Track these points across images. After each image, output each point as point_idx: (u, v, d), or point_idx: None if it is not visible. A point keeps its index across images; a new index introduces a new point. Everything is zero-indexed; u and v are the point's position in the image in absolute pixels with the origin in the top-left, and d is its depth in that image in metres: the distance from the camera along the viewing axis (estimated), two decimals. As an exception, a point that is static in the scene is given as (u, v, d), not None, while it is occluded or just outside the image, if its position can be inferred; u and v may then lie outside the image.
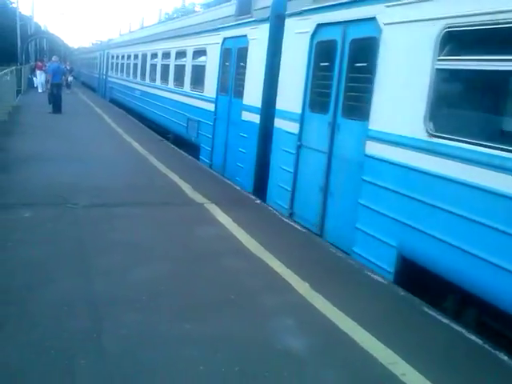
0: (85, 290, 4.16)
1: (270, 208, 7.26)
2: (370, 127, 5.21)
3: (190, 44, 12.05)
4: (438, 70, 4.38)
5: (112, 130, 14.79)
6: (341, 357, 3.48)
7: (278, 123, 7.25)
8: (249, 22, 8.44)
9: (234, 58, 9.19)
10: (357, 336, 3.72)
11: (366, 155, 5.24)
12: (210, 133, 10.29)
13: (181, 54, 12.83)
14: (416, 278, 4.68)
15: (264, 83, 7.83)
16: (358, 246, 5.36)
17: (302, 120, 6.61)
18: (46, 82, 21.12)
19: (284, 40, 7.15)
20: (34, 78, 30.62)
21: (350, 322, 3.93)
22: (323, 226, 6.12)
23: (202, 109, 10.85)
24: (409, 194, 4.62)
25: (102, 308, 3.87)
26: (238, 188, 8.39)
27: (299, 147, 6.66)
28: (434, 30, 4.39)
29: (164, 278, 4.53)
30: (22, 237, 5.33)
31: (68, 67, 32.31)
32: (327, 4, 6.09)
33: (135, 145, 12.20)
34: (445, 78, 4.39)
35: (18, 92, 24.39)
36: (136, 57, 19.14)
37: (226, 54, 9.67)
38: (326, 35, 6.19)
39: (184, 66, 12.43)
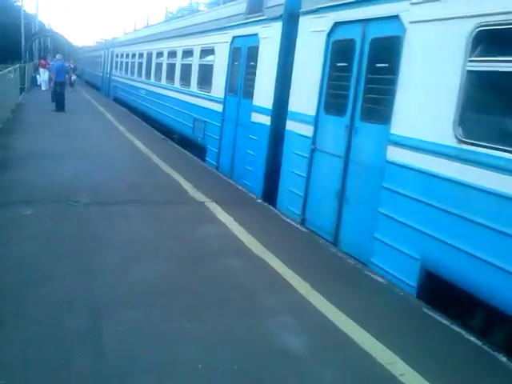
0: (84, 287, 4.14)
1: (271, 208, 7.20)
2: (391, 131, 4.92)
3: (197, 43, 11.78)
4: (469, 71, 4.09)
5: (115, 129, 14.72)
6: (340, 357, 3.47)
7: (291, 125, 6.96)
8: (260, 20, 8.16)
9: (244, 57, 8.91)
10: (356, 336, 3.72)
11: (388, 161, 4.95)
12: (217, 134, 10.00)
13: (187, 53, 12.56)
14: (441, 293, 4.39)
15: (275, 84, 7.54)
16: (377, 257, 5.07)
17: (316, 122, 6.32)
18: (50, 80, 21.07)
19: (298, 39, 6.87)
20: (38, 76, 30.48)
21: (350, 321, 3.93)
22: (338, 233, 5.83)
23: (209, 109, 10.57)
24: (435, 204, 4.33)
25: (102, 306, 3.86)
26: (239, 187, 8.32)
27: (313, 151, 6.37)
28: (466, 29, 4.10)
29: (164, 277, 4.51)
30: (23, 234, 5.30)
31: (71, 66, 32.15)
32: (345, 1, 5.80)
33: (137, 143, 12.15)
34: (477, 80, 4.09)
35: (22, 90, 24.35)
36: (141, 55, 18.88)
37: (235, 53, 9.39)
38: (343, 34, 5.90)
39: (190, 65, 12.16)
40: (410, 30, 4.75)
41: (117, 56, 25.47)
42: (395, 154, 4.85)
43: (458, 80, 4.15)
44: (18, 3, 51.75)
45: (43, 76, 28.28)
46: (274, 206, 7.33)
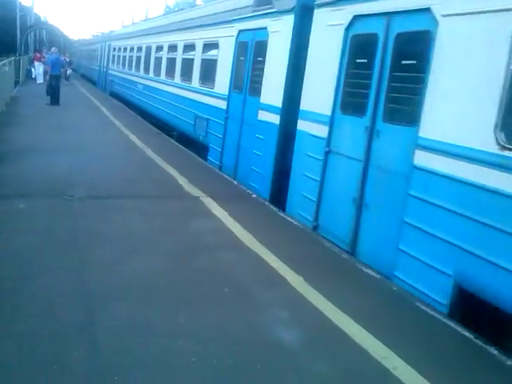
0: (78, 281, 4.12)
1: (266, 203, 7.16)
2: (420, 134, 4.51)
3: (199, 36, 11.32)
4: (514, 70, 3.69)
5: (110, 123, 14.60)
6: (333, 350, 3.48)
7: (303, 125, 6.54)
8: (270, 13, 7.71)
9: (251, 52, 8.47)
10: (349, 330, 3.73)
11: (415, 167, 4.54)
12: (220, 132, 9.56)
13: (189, 47, 12.10)
14: (476, 312, 4.00)
15: (286, 81, 7.11)
16: (402, 271, 4.67)
17: (331, 123, 5.90)
18: (45, 73, 20.77)
19: (312, 33, 6.44)
20: (33, 69, 29.97)
21: (344, 315, 3.94)
22: (356, 243, 5.42)
23: (212, 106, 10.13)
24: (473, 217, 3.93)
25: (96, 300, 3.85)
26: (235, 183, 8.32)
27: (327, 153, 5.96)
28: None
29: (158, 271, 4.49)
30: (17, 228, 5.27)
31: (67, 59, 31.64)
32: (367, -7, 5.39)
33: (132, 137, 12.05)
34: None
35: (16, 83, 23.94)
36: (139, 49, 18.37)
37: (241, 47, 8.94)
38: (364, 28, 5.48)
39: (192, 59, 11.69)
40: (444, 24, 4.34)
41: (114, 49, 24.92)
42: (424, 160, 4.44)
43: (500, 80, 3.75)
44: (14, -5, 50.91)
45: (38, 69, 27.81)
46: (283, 210, 6.92)
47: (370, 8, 5.35)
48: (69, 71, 30.88)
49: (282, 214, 6.63)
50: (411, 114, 4.72)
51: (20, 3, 45.18)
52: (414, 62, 4.85)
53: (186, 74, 12.16)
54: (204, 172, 9.11)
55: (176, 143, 12.03)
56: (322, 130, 6.05)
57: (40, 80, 26.74)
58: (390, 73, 5.04)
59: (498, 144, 3.75)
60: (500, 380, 3.37)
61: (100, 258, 4.67)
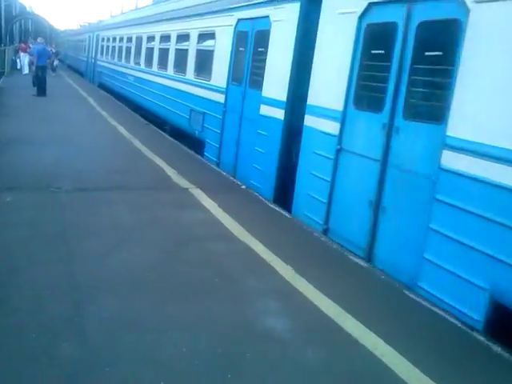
0: (66, 274, 4.08)
1: (256, 194, 7.14)
2: (448, 133, 4.11)
3: (194, 26, 10.80)
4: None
5: (97, 114, 14.52)
6: (322, 339, 3.49)
7: (310, 121, 6.12)
8: (272, 0, 7.25)
9: (251, 42, 8.00)
10: (339, 318, 3.75)
11: (442, 168, 4.15)
12: (218, 127, 9.10)
13: (183, 38, 11.59)
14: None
15: (291, 73, 6.66)
16: (427, 282, 4.29)
17: (343, 119, 5.49)
18: (31, 64, 20.40)
19: (321, 21, 6.00)
20: (18, 60, 29.18)
21: (332, 304, 3.97)
22: (372, 249, 5.03)
23: (208, 99, 9.65)
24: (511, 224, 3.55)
25: (84, 292, 3.81)
26: (224, 174, 8.31)
27: (339, 151, 5.54)
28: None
29: (147, 262, 4.45)
30: (4, 221, 5.20)
31: (53, 50, 30.88)
32: (384, -23, 4.96)
33: (120, 128, 11.96)
34: None
35: (1, 74, 23.34)
36: (130, 40, 17.76)
37: (240, 37, 8.47)
38: (381, 16, 5.06)
39: (186, 50, 11.18)
40: (476, 12, 3.93)
41: (103, 40, 24.22)
42: (453, 161, 4.05)
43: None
44: (-2, -17, 49.62)
45: (24, 60, 27.12)
46: (288, 210, 6.51)
47: (387, -6, 4.93)
48: (55, 62, 30.21)
49: (271, 205, 6.63)
50: (437, 111, 4.32)
51: (4, -8, 44.00)
52: (440, 53, 4.45)
53: (180, 65, 11.65)
54: (192, 163, 9.08)
55: (164, 134, 11.93)
56: (332, 127, 5.64)
57: (26, 71, 26.16)
58: (411, 65, 4.63)
59: (543, 145, 3.36)
60: (487, 367, 3.38)
61: (88, 250, 4.61)
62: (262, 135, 7.31)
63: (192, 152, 10.07)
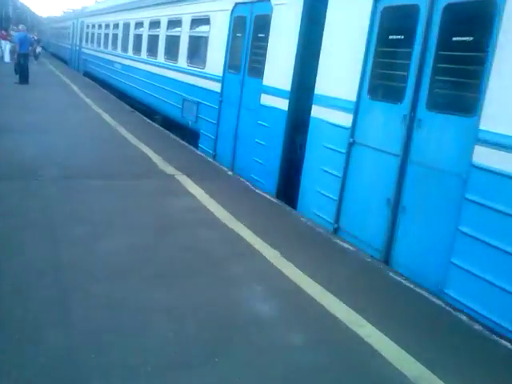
0: (53, 261, 4.03)
1: (242, 179, 7.17)
2: (481, 127, 3.73)
3: (187, 11, 10.26)
4: None
5: (81, 101, 14.31)
6: (308, 321, 3.51)
7: (318, 112, 5.70)
8: (274, -18, 6.78)
9: (250, 27, 7.52)
10: (325, 301, 3.77)
11: (474, 165, 3.77)
12: (214, 118, 8.63)
13: (174, 23, 11.04)
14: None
15: (295, 60, 6.23)
16: (455, 289, 3.92)
17: (356, 109, 5.08)
18: (13, 51, 19.96)
19: (330, 5, 5.56)
20: (-1, 48, 28.28)
21: (319, 287, 3.98)
22: (390, 251, 4.66)
23: (203, 88, 9.17)
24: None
25: (70, 279, 3.76)
26: (210, 160, 8.33)
27: (351, 145, 5.15)
28: None
29: (133, 249, 4.42)
30: None
31: (35, 38, 29.99)
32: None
33: (105, 116, 11.81)
34: None
35: (-18, 62, 22.52)
36: (116, 26, 17.10)
37: (237, 23, 7.99)
38: (400, -2, 4.65)
39: (178, 37, 10.64)
40: (516, -9, 3.54)
41: (87, 27, 23.44)
42: (487, 157, 3.68)
43: None
44: (-23, -33, 48.00)
45: (5, 48, 26.32)
46: (293, 207, 6.11)
47: (407, -26, 4.51)
48: (38, 49, 29.36)
49: (257, 191, 6.65)
50: (467, 102, 3.95)
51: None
52: (470, 38, 4.04)
53: (171, 52, 11.12)
54: (178, 150, 9.05)
55: (150, 122, 11.81)
56: (344, 118, 5.23)
57: (7, 59, 25.36)
58: (437, 52, 4.23)
59: None
60: (465, 342, 3.44)
61: (74, 237, 4.56)
62: (264, 126, 6.87)
63: (178, 139, 9.96)
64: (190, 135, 9.92)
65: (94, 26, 21.81)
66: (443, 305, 3.86)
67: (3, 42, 27.24)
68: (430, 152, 4.26)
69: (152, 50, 12.64)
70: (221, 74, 8.40)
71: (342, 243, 4.99)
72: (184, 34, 10.33)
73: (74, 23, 27.96)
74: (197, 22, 9.78)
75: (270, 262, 4.39)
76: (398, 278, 4.28)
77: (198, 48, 9.66)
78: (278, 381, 2.84)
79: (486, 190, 3.68)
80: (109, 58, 18.09)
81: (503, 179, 3.56)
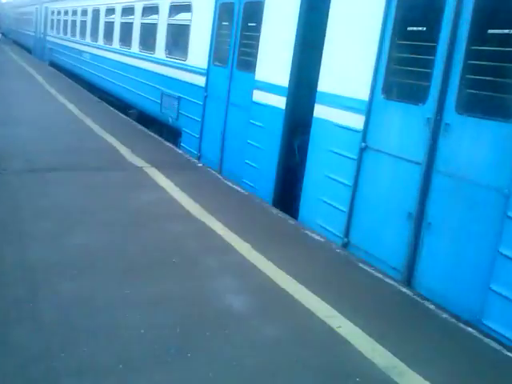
0: (18, 257, 3.95)
1: (213, 172, 7.08)
2: (529, 135, 3.24)
3: (164, -3, 9.49)
4: None
5: (45, 91, 13.82)
6: (281, 313, 3.51)
7: (323, 112, 5.13)
8: (267, -34, 6.13)
9: (239, 16, 6.86)
10: (297, 293, 3.77)
11: (521, 180, 3.28)
12: (198, 115, 7.96)
13: (150, 10, 10.25)
14: None
15: (294, 53, 5.63)
16: (495, 320, 3.44)
17: (369, 110, 4.54)
18: None
19: (335, -9, 4.98)
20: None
21: (291, 280, 3.98)
22: (413, 272, 4.15)
23: (184, 82, 8.48)
24: None
25: (38, 276, 3.69)
26: (180, 152, 8.18)
27: (363, 150, 4.60)
28: None
29: (101, 244, 4.37)
30: None
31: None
32: None
33: (70, 106, 11.50)
34: None
35: None
36: (84, 13, 16.04)
37: (223, 10, 7.32)
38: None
39: (155, 25, 9.86)
40: None
41: (52, 13, 22.13)
42: (538, 171, 3.19)
43: None
44: None
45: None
46: (294, 216, 5.55)
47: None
48: (-1, 36, 27.72)
49: (228, 183, 6.57)
50: (507, 105, 3.43)
51: None
52: (510, 31, 3.53)
53: (147, 42, 10.35)
54: (146, 141, 8.85)
55: (118, 112, 11.54)
56: (354, 120, 4.68)
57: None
58: (468, 47, 3.70)
59: None
60: (434, 330, 3.47)
61: (41, 232, 4.47)
62: (257, 126, 6.26)
63: (145, 129, 9.67)
64: (170, 133, 9.22)
65: (59, 12, 20.56)
66: (411, 294, 3.91)
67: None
68: (460, 162, 3.75)
69: (125, 39, 11.79)
70: (205, 67, 7.73)
71: (313, 235, 4.96)
72: (162, 22, 9.56)
73: (37, 9, 26.47)
74: (176, 8, 9.04)
75: (242, 254, 4.36)
76: (369, 269, 4.29)
77: (178, 38, 8.94)
78: (252, 374, 2.81)
79: (535, 209, 3.20)
80: (77, 47, 17.04)
81: (558, 197, 3.08)
